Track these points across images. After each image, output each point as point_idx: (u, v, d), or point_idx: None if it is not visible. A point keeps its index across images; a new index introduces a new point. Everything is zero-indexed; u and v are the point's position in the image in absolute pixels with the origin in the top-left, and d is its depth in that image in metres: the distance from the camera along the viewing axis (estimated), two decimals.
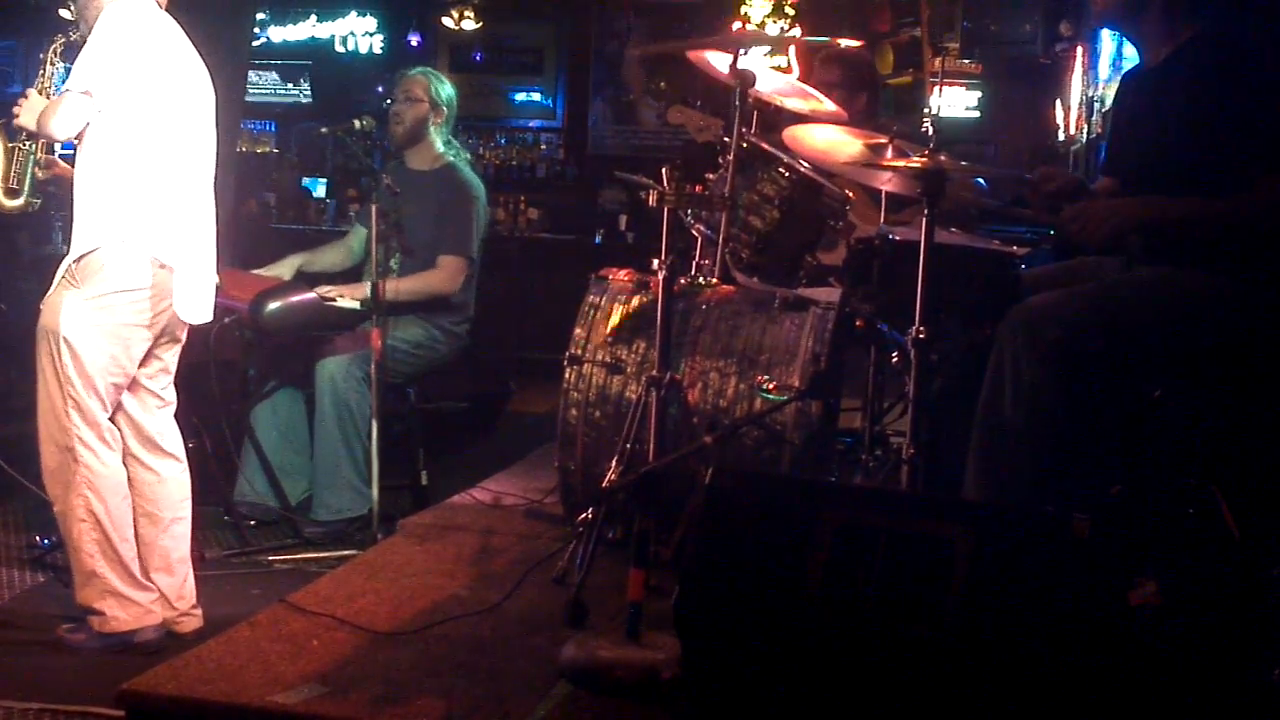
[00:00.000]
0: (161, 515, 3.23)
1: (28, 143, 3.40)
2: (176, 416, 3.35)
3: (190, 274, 3.17)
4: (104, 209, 3.05)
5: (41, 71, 3.32)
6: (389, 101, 4.74)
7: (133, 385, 3.20)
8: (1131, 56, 6.78)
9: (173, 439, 3.31)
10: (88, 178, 3.08)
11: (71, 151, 3.21)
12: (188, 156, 3.19)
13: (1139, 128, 3.05)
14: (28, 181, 3.43)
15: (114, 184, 3.06)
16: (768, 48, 8.23)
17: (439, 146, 4.65)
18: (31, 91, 3.18)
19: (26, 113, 3.12)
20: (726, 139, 3.48)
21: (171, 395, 3.33)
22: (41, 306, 3.10)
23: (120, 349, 3.08)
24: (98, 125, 3.05)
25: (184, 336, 3.31)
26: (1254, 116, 2.76)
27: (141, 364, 3.19)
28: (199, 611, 3.29)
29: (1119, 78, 4.10)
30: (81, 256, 3.05)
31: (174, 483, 3.28)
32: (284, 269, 4.59)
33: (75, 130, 3.04)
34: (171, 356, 3.30)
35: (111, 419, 3.13)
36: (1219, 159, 2.78)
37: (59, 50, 3.33)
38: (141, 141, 3.07)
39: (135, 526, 3.18)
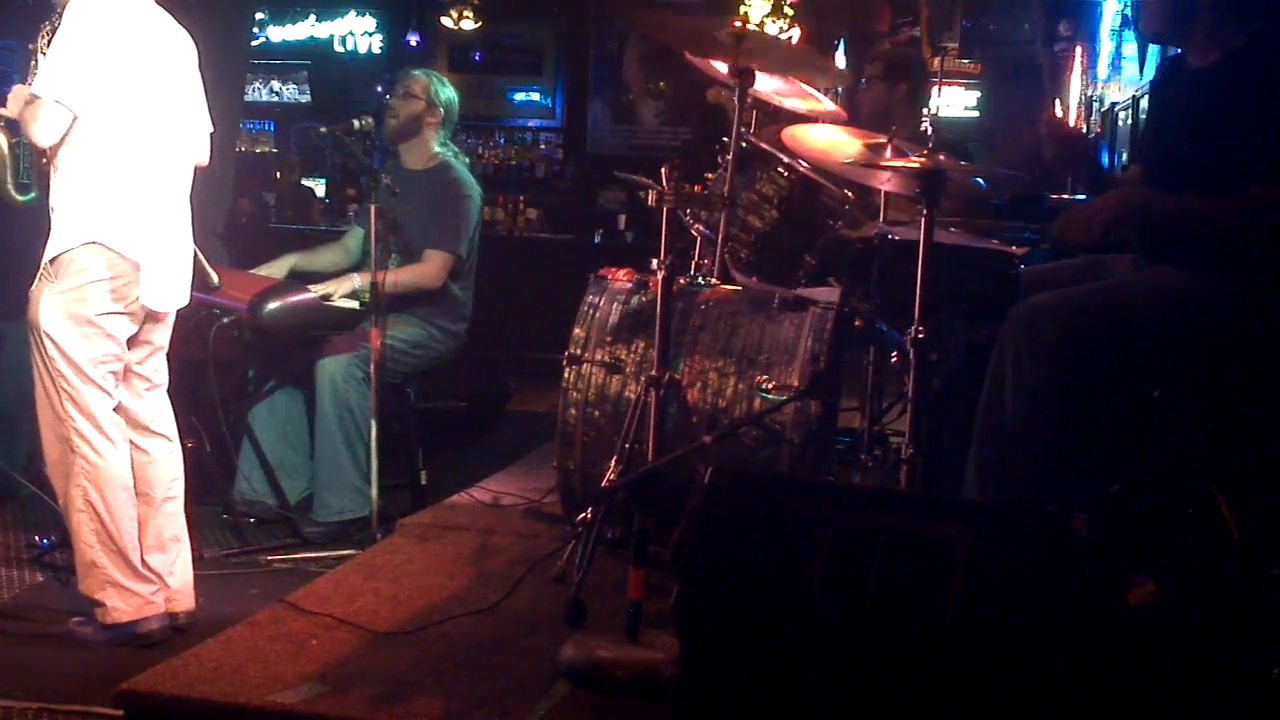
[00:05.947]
0: (153, 495, 3.23)
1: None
2: (175, 416, 3.34)
3: (159, 266, 3.15)
4: (77, 213, 3.05)
5: (33, 62, 3.31)
6: (387, 96, 4.74)
7: (123, 372, 3.19)
8: (1132, 56, 6.81)
9: (164, 420, 3.30)
10: (62, 180, 3.08)
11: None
12: (161, 147, 3.17)
13: (1180, 123, 3.02)
14: (34, 174, 3.42)
15: (86, 188, 3.05)
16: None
17: (434, 147, 4.64)
18: (18, 85, 3.17)
19: (13, 104, 3.11)
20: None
21: (163, 376, 3.31)
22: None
23: (103, 337, 3.07)
24: (72, 131, 3.03)
25: (171, 316, 3.30)
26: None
27: (130, 348, 3.18)
28: (191, 592, 3.28)
29: (1159, 68, 4.07)
30: (55, 258, 3.05)
31: (164, 463, 3.27)
32: (278, 268, 4.58)
33: (56, 139, 3.03)
34: (160, 336, 3.28)
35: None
36: (1262, 160, 2.76)
37: (47, 40, 3.31)
38: (113, 144, 3.06)
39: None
